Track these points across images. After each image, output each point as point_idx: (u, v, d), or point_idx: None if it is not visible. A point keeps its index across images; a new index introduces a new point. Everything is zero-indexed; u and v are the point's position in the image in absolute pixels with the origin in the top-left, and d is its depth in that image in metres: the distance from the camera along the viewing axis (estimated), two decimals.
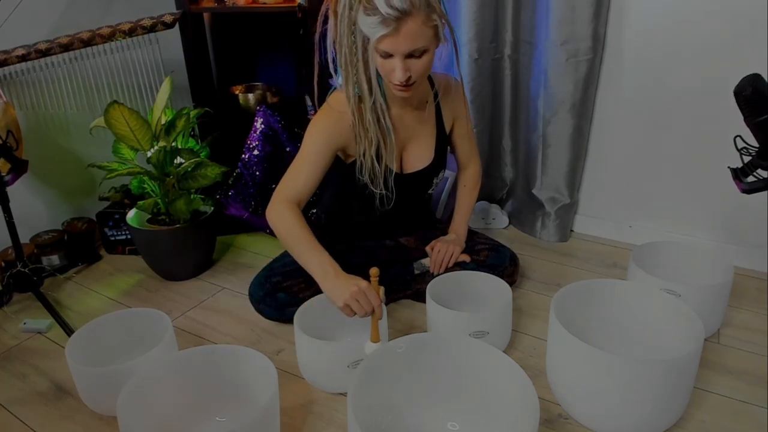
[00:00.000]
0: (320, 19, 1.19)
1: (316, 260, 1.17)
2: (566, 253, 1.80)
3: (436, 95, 1.37)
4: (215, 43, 2.11)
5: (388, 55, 1.12)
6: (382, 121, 1.25)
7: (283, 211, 1.22)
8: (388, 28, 1.07)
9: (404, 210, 1.43)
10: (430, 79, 1.35)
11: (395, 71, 1.13)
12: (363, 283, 1.11)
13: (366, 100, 1.21)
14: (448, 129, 1.44)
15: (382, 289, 1.13)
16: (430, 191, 1.47)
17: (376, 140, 1.25)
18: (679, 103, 1.62)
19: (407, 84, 1.16)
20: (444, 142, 1.43)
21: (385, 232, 1.52)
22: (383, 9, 1.05)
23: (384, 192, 1.32)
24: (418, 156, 1.39)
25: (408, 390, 1.02)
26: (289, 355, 1.30)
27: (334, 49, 1.18)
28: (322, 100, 1.29)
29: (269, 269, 1.42)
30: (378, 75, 1.20)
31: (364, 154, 1.27)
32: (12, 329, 1.44)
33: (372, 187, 1.30)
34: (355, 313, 1.10)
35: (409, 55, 1.12)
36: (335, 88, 1.30)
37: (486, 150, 1.96)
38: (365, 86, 1.19)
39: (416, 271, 1.50)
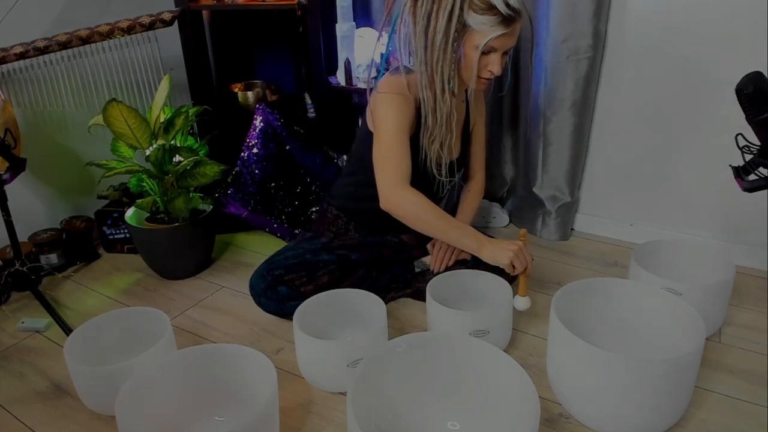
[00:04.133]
0: (388, 12, 1.25)
1: (467, 234, 1.31)
2: (567, 252, 1.80)
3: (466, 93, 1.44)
4: (214, 40, 2.11)
5: (490, 51, 1.20)
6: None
7: (410, 195, 1.27)
8: (508, 28, 1.16)
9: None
10: None
11: (493, 65, 1.23)
12: (518, 242, 1.27)
13: (456, 95, 1.27)
14: (471, 127, 1.49)
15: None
16: (449, 185, 1.50)
17: (452, 131, 1.31)
18: (680, 101, 1.61)
19: (492, 78, 1.26)
20: (468, 138, 1.49)
21: (391, 226, 1.52)
22: (503, 9, 1.13)
23: (447, 178, 1.38)
24: (454, 148, 1.43)
25: (408, 389, 1.02)
26: (288, 354, 1.29)
27: (425, 46, 1.21)
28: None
29: (271, 262, 1.42)
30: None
31: (436, 143, 1.31)
32: (10, 328, 1.43)
33: (437, 174, 1.36)
34: (515, 268, 1.26)
35: (504, 52, 1.22)
36: (382, 74, 1.35)
37: (486, 148, 1.95)
38: (456, 81, 1.25)
39: (417, 269, 1.50)
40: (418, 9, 1.18)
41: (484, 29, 1.16)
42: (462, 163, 1.49)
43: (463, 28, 1.17)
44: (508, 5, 1.14)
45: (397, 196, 1.27)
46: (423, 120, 1.30)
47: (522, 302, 1.26)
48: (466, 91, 1.40)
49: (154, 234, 1.60)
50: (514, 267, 1.25)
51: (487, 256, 1.28)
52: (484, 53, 1.20)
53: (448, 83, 1.23)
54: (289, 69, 2.18)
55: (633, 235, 1.82)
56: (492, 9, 1.14)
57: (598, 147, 1.80)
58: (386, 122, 1.28)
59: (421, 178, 1.36)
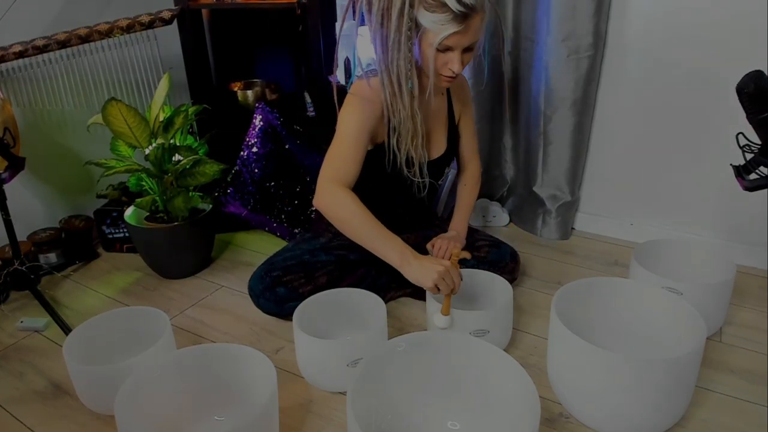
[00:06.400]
0: (346, 13, 1.21)
1: (392, 247, 1.19)
2: (567, 251, 1.80)
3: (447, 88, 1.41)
4: (214, 39, 2.10)
5: (447, 49, 1.15)
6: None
7: (343, 196, 1.20)
8: (460, 26, 1.09)
9: (418, 199, 1.45)
10: None
11: (452, 64, 1.16)
12: (446, 263, 1.17)
13: (417, 96, 1.22)
14: (456, 121, 1.47)
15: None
16: (440, 181, 1.48)
17: (421, 131, 1.27)
18: (680, 100, 1.61)
19: (455, 75, 1.20)
20: (455, 132, 1.46)
21: (390, 226, 1.52)
22: (454, 7, 1.07)
23: (421, 180, 1.34)
24: (435, 145, 1.42)
25: (408, 389, 1.01)
26: (288, 354, 1.29)
27: (381, 44, 1.17)
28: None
29: (269, 263, 1.41)
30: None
31: (403, 144, 1.27)
32: (9, 328, 1.43)
33: (410, 176, 1.32)
34: (439, 291, 1.16)
35: (465, 49, 1.16)
36: (355, 78, 1.31)
37: (486, 147, 1.95)
38: (416, 81, 1.20)
39: None
40: (373, 7, 1.14)
41: (435, 28, 1.10)
42: (448, 159, 1.46)
43: (416, 26, 1.12)
44: (459, 1, 1.07)
45: (329, 194, 1.21)
46: (387, 120, 1.26)
47: (442, 320, 1.18)
48: (448, 89, 1.39)
49: (153, 233, 1.60)
50: (439, 289, 1.15)
51: (409, 275, 1.18)
52: (441, 51, 1.15)
53: (406, 83, 1.18)
54: (289, 68, 2.17)
55: (633, 235, 1.82)
56: (443, 6, 1.08)
57: (599, 146, 1.80)
58: (344, 124, 1.25)
59: (395, 181, 1.34)
